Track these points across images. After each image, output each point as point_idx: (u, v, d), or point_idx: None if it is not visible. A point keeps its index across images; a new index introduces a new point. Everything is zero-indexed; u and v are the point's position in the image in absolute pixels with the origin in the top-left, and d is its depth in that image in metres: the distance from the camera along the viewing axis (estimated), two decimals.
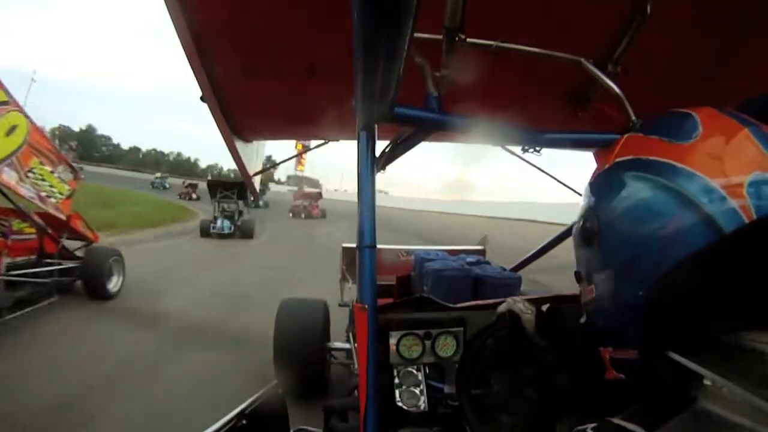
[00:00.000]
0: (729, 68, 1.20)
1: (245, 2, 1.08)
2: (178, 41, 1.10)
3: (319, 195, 24.07)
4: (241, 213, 13.12)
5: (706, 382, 0.47)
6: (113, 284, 5.13)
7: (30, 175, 4.05)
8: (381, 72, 0.67)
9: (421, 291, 2.20)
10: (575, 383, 0.74)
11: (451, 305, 1.19)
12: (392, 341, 1.10)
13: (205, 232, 12.27)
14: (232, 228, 12.42)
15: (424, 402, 1.07)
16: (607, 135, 1.17)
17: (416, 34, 0.96)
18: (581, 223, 0.62)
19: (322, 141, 1.89)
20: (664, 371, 0.52)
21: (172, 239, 11.42)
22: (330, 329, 2.98)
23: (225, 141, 1.65)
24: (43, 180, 4.26)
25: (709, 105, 0.58)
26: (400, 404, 1.07)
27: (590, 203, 0.61)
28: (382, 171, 1.11)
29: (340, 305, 3.34)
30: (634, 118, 1.15)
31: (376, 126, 0.95)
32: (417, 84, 0.98)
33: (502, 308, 0.91)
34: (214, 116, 1.48)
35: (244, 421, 1.04)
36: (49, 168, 4.36)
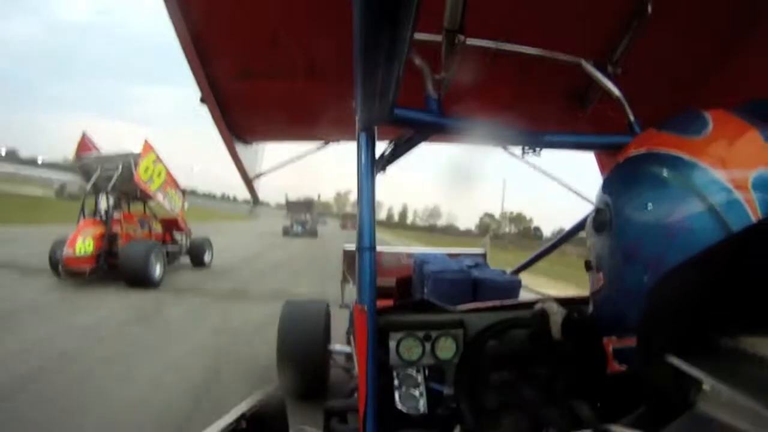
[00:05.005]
0: (729, 68, 1.20)
1: (244, 3, 1.08)
2: (178, 42, 1.11)
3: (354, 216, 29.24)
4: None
5: (705, 386, 0.47)
6: (207, 258, 9.16)
7: (167, 195, 7.83)
8: (381, 73, 0.66)
9: (421, 293, 2.19)
10: (577, 381, 0.75)
11: (451, 308, 1.19)
12: (392, 343, 1.09)
13: (285, 233, 21.67)
14: (303, 230, 22.06)
15: (423, 404, 1.07)
16: (608, 136, 1.18)
17: (416, 35, 0.96)
18: (595, 212, 0.65)
19: (322, 143, 1.89)
20: (661, 375, 0.52)
21: None
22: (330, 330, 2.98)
23: (224, 143, 1.65)
24: (172, 198, 8.01)
25: (709, 105, 0.60)
26: (399, 406, 1.06)
27: (604, 192, 0.64)
28: (381, 172, 1.10)
29: (340, 307, 3.33)
30: (633, 119, 1.15)
31: (375, 127, 0.95)
32: (417, 85, 0.97)
33: (537, 307, 0.92)
34: (213, 118, 1.48)
35: (243, 424, 1.04)
36: (173, 191, 8.06)
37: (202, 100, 1.37)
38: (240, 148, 1.74)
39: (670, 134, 0.58)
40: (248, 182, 1.96)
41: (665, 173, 0.54)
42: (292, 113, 1.64)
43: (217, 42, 1.19)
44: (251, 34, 1.18)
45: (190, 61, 1.18)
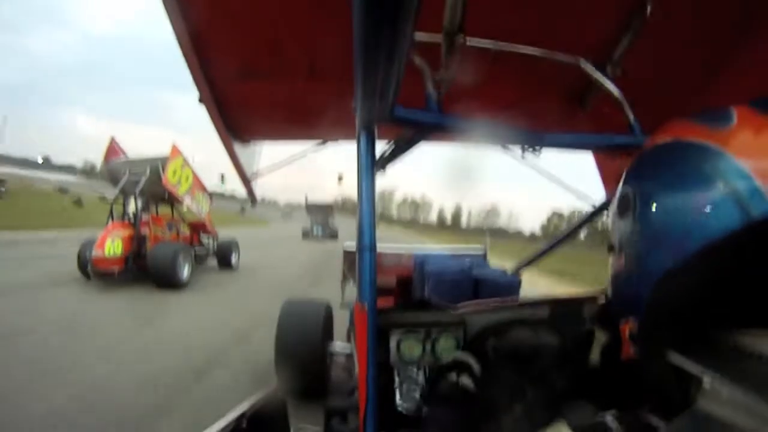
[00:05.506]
0: (729, 68, 1.20)
1: (244, 2, 1.08)
2: (177, 42, 1.10)
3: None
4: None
5: (705, 384, 0.47)
6: (234, 260, 9.36)
7: (194, 199, 7.84)
8: (381, 72, 0.66)
9: (422, 293, 2.19)
10: (580, 381, 0.75)
11: (452, 306, 1.19)
12: (392, 342, 1.09)
13: (306, 236, 21.57)
14: (324, 233, 21.86)
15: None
16: (608, 136, 1.18)
17: (416, 35, 0.96)
18: (619, 196, 0.66)
19: (321, 142, 1.88)
20: (663, 372, 0.52)
21: None
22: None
23: (223, 142, 1.64)
24: (199, 201, 8.06)
25: (709, 105, 0.61)
26: (399, 405, 1.06)
27: (628, 177, 0.65)
28: (381, 171, 1.10)
29: (341, 307, 3.33)
30: (633, 118, 1.15)
31: (376, 127, 0.95)
32: (417, 85, 0.97)
33: (585, 326, 0.91)
34: (211, 117, 1.48)
35: (244, 424, 1.04)
36: (200, 194, 8.11)
37: (201, 99, 1.37)
38: (238, 148, 1.74)
39: (696, 124, 0.59)
40: (246, 182, 1.95)
41: (691, 161, 0.55)
42: (292, 113, 1.63)
43: (216, 42, 1.19)
44: (251, 34, 1.17)
45: (188, 61, 1.18)
